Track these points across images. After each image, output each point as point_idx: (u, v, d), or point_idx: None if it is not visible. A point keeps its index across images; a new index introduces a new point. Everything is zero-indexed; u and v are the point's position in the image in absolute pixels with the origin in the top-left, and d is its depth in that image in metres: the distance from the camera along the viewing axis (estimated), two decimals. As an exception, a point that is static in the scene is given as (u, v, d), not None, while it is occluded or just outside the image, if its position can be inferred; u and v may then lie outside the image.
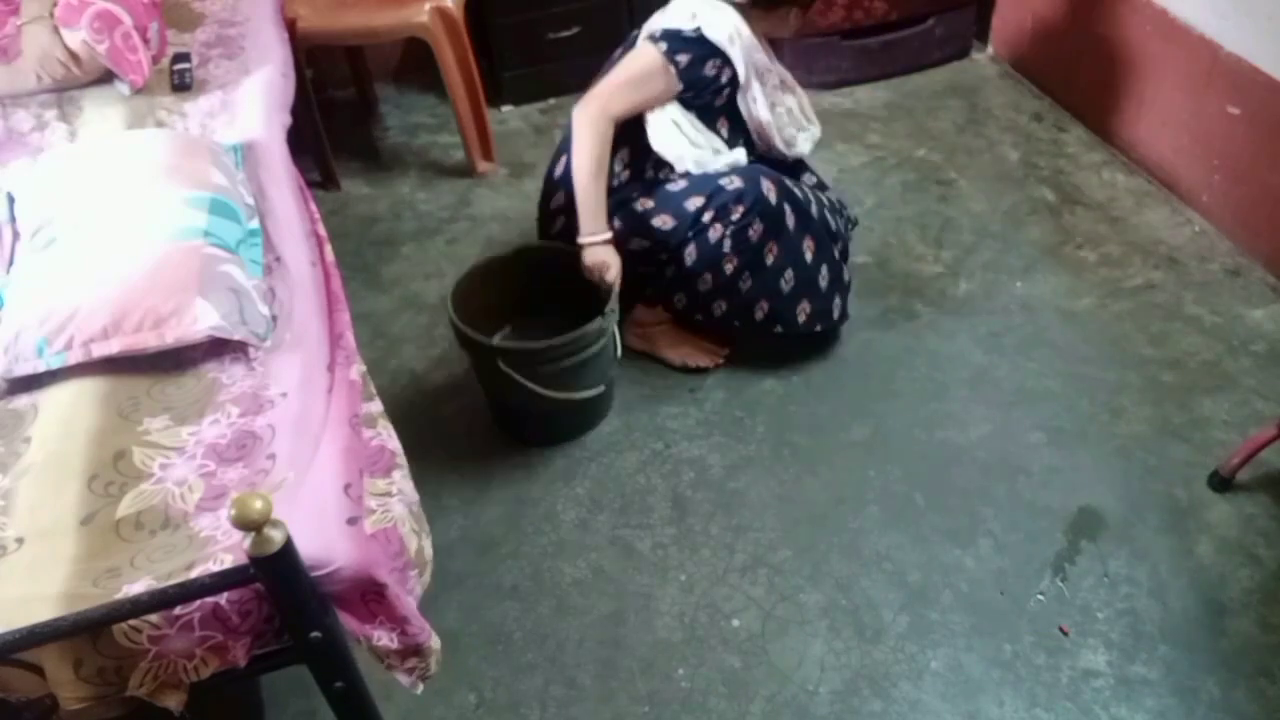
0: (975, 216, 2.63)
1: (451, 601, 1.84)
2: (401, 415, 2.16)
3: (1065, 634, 1.73)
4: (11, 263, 1.67)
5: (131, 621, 1.10)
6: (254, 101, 2.08)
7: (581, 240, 1.98)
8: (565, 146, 2.06)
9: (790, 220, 2.04)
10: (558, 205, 2.12)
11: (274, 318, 1.56)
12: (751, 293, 2.09)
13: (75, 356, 1.45)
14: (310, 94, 2.67)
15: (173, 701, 1.16)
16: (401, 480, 1.42)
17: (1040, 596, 1.79)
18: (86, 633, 1.09)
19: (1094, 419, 2.08)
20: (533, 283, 2.18)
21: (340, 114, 3.15)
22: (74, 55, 2.07)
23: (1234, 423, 2.05)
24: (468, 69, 2.73)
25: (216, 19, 2.41)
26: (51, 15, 2.06)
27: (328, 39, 2.69)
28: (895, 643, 1.74)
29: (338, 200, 2.85)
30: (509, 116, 3.16)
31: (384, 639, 1.25)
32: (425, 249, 2.67)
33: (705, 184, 2.01)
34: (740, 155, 2.07)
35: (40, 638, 1.05)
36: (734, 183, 2.00)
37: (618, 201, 2.03)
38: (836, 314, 2.20)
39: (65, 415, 1.42)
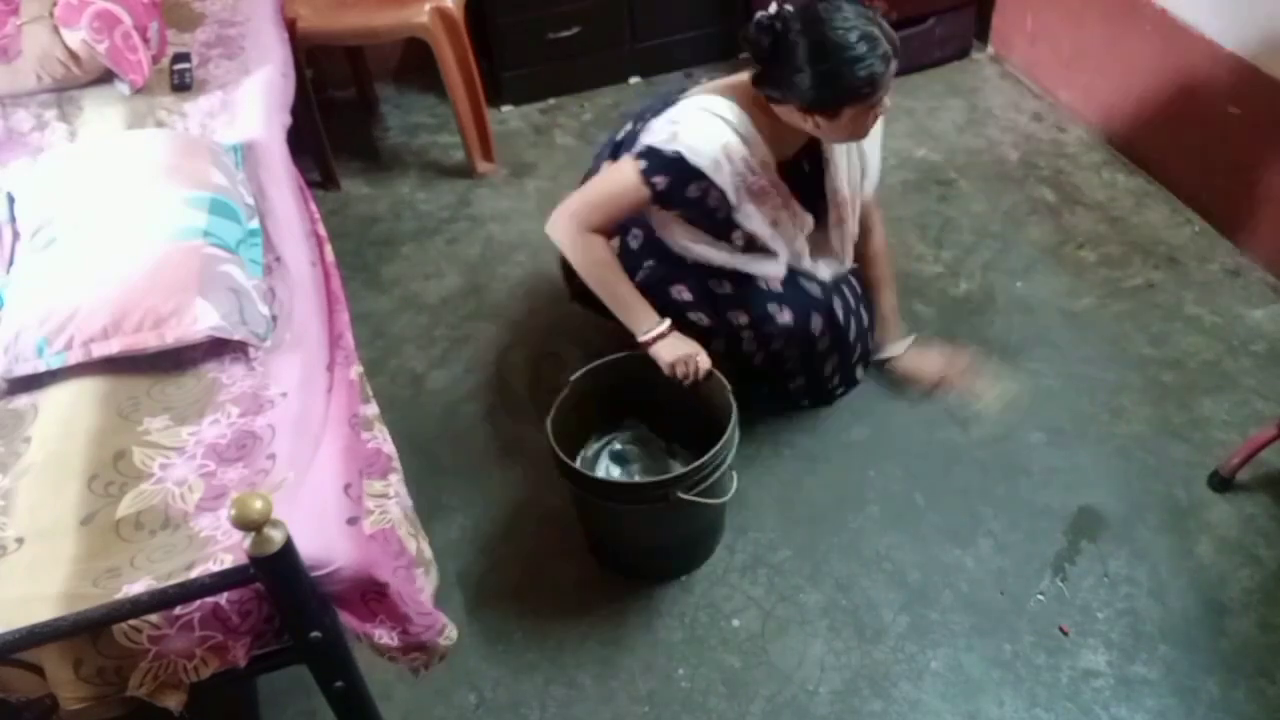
0: (975, 216, 2.63)
1: (451, 601, 1.84)
2: (402, 416, 2.17)
3: (1065, 634, 1.73)
4: (11, 263, 1.67)
5: (131, 621, 1.10)
6: (254, 101, 2.08)
7: (645, 339, 1.76)
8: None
9: (821, 345, 1.95)
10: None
11: (274, 318, 1.57)
12: (754, 357, 1.99)
13: (75, 356, 1.45)
14: (310, 94, 2.67)
15: (173, 701, 1.16)
16: (397, 483, 1.43)
17: (1040, 596, 1.79)
18: (86, 633, 1.09)
19: (1094, 419, 2.08)
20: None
21: (340, 114, 3.15)
22: (74, 55, 2.07)
23: (1234, 423, 2.05)
24: (468, 69, 2.73)
25: (216, 19, 2.41)
26: (51, 15, 2.06)
27: (328, 39, 2.69)
28: (895, 643, 1.74)
29: (338, 200, 2.85)
30: (509, 116, 3.16)
31: (385, 637, 1.25)
32: (425, 249, 2.67)
33: (753, 302, 1.85)
34: (780, 268, 1.87)
35: (40, 638, 1.05)
36: (784, 315, 1.85)
37: (651, 279, 1.85)
38: (836, 389, 2.11)
39: (65, 415, 1.42)
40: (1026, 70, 3.14)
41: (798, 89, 1.61)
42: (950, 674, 1.69)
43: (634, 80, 3.25)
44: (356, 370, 1.59)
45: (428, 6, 2.58)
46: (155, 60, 2.19)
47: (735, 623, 1.79)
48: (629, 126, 1.92)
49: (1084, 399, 2.12)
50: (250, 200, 1.76)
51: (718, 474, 1.70)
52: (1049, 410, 2.11)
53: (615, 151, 1.93)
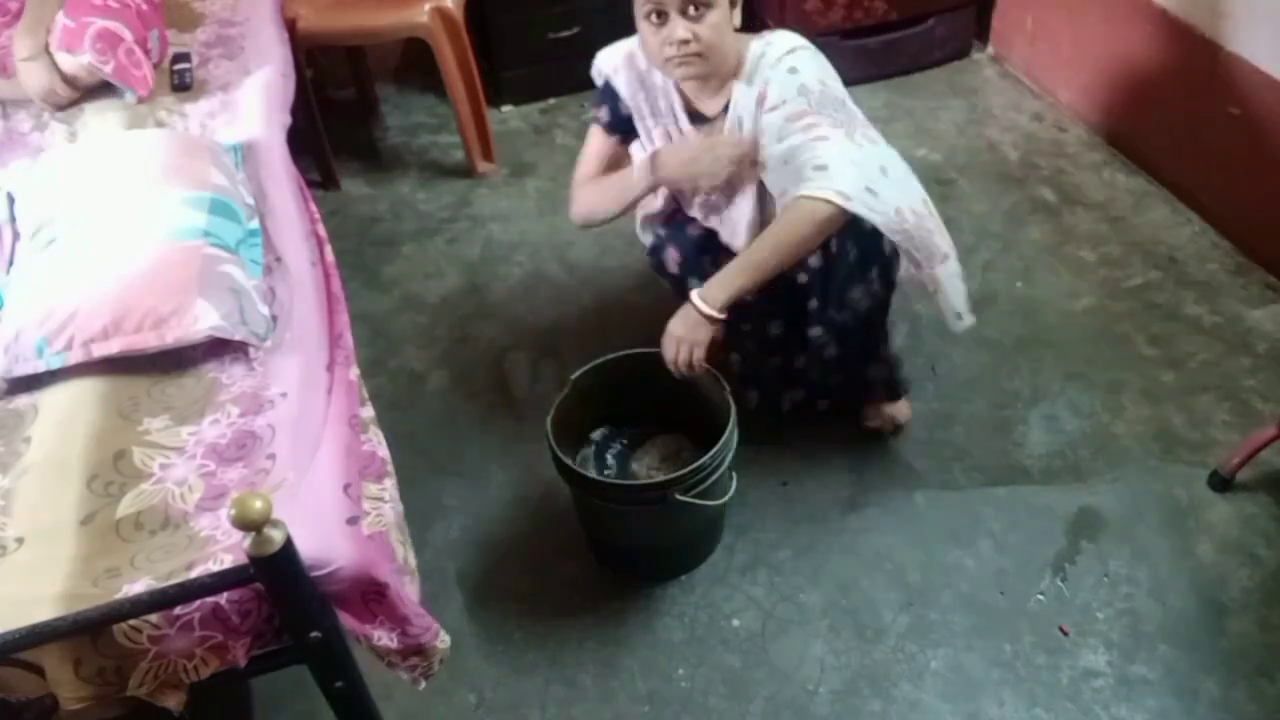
0: (975, 216, 2.63)
1: (451, 601, 1.84)
2: (402, 416, 2.17)
3: (1065, 634, 1.73)
4: (11, 263, 1.67)
5: (131, 621, 1.10)
6: (254, 101, 2.08)
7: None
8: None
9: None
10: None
11: (274, 318, 1.57)
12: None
13: (75, 356, 1.45)
14: (310, 94, 2.68)
15: (173, 701, 1.16)
16: (392, 488, 1.43)
17: (1040, 596, 1.79)
18: (86, 633, 1.09)
19: (1094, 419, 2.08)
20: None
21: (340, 114, 3.15)
22: (74, 79, 2.04)
23: (1234, 423, 2.04)
24: (468, 69, 2.73)
25: (216, 19, 2.41)
26: (47, 50, 2.01)
27: (328, 39, 2.70)
28: (895, 643, 1.74)
29: (338, 200, 2.85)
30: (509, 116, 3.16)
31: (384, 639, 1.25)
32: (425, 249, 2.67)
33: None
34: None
35: (40, 638, 1.05)
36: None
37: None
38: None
39: (65, 415, 1.42)
40: (1026, 70, 3.14)
41: None
42: (950, 674, 1.69)
43: (634, 80, 3.25)
44: (355, 372, 1.59)
45: (428, 6, 2.58)
46: (156, 66, 2.18)
47: (735, 623, 1.79)
48: None
49: (1084, 399, 2.13)
50: (250, 200, 1.76)
51: (717, 475, 1.70)
52: (1049, 410, 2.11)
53: None
